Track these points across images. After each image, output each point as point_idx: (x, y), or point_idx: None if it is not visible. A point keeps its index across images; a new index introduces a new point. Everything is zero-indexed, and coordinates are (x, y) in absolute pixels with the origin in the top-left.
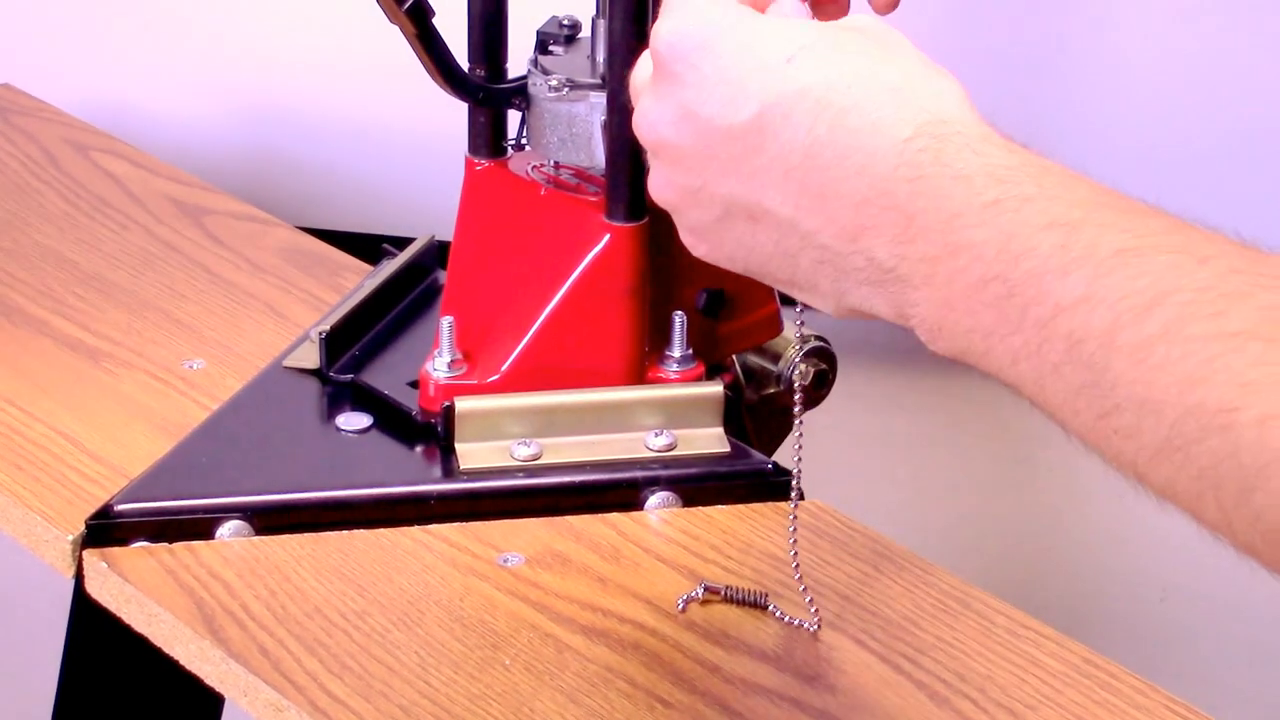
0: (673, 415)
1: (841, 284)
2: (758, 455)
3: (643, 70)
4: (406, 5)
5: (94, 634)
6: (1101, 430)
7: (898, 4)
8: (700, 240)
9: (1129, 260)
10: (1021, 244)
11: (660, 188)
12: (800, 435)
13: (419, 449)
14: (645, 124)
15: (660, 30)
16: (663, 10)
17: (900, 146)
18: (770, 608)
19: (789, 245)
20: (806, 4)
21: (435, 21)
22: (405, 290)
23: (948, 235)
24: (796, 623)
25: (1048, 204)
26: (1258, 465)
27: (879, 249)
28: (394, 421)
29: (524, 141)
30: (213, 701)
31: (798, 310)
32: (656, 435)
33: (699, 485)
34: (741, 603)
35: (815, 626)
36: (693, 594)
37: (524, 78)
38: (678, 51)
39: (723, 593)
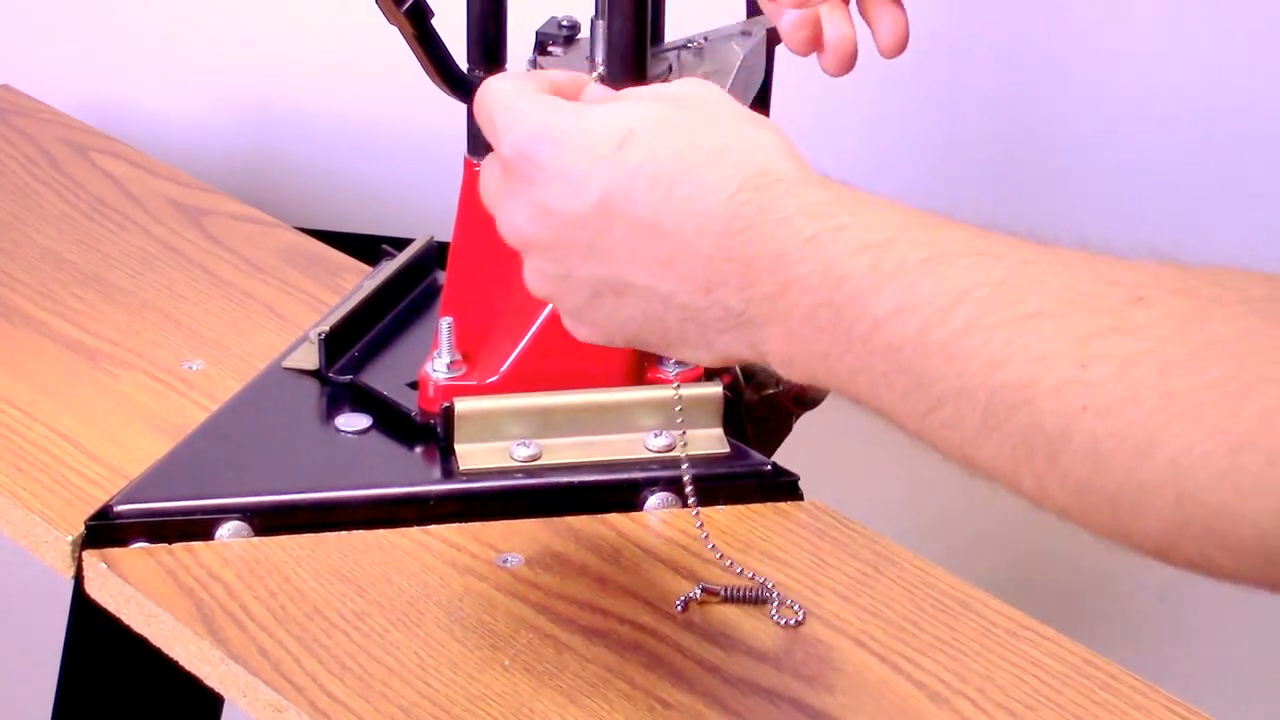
0: (672, 416)
1: (706, 335)
2: (757, 456)
3: (490, 182)
4: (405, 6)
5: (93, 635)
6: (930, 426)
7: (852, 66)
8: (580, 324)
9: (933, 268)
10: (839, 270)
11: (534, 282)
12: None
13: (418, 450)
14: (507, 227)
15: (505, 140)
16: (500, 125)
17: (727, 203)
18: (773, 598)
19: (654, 310)
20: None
21: (434, 22)
22: (404, 291)
23: (778, 274)
24: (785, 620)
25: (859, 231)
26: (1059, 429)
27: (729, 297)
28: (393, 422)
29: None
30: (212, 702)
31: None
32: (656, 436)
33: (699, 486)
34: (742, 600)
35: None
36: (691, 594)
37: None
38: (524, 155)
39: (721, 593)
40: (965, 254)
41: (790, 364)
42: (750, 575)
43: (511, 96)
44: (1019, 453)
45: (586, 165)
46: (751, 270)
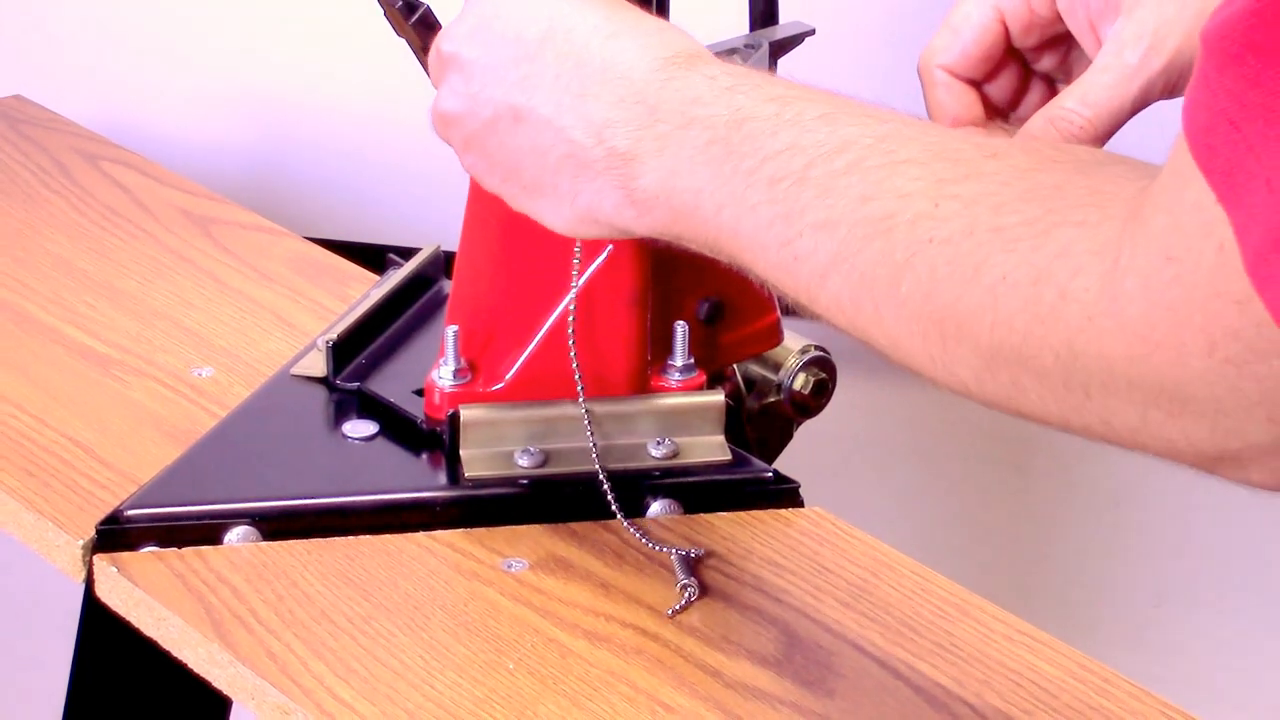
0: (674, 424)
1: (579, 180)
2: (758, 463)
3: (449, 25)
4: (413, 19)
5: (104, 637)
6: (783, 258)
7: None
8: (468, 149)
9: (827, 122)
10: (747, 113)
11: (444, 98)
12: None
13: (424, 456)
14: (446, 38)
15: None
16: None
17: (660, 61)
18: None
19: (542, 142)
20: None
21: None
22: (411, 299)
23: (686, 113)
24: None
25: (771, 88)
26: (906, 258)
27: (620, 139)
28: (400, 429)
29: None
30: (220, 704)
31: None
32: (658, 443)
33: (700, 493)
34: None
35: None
36: (680, 604)
37: None
38: None
39: (686, 596)
40: (856, 115)
41: (655, 201)
42: (667, 550)
43: None
44: (863, 283)
45: None
46: (657, 113)
